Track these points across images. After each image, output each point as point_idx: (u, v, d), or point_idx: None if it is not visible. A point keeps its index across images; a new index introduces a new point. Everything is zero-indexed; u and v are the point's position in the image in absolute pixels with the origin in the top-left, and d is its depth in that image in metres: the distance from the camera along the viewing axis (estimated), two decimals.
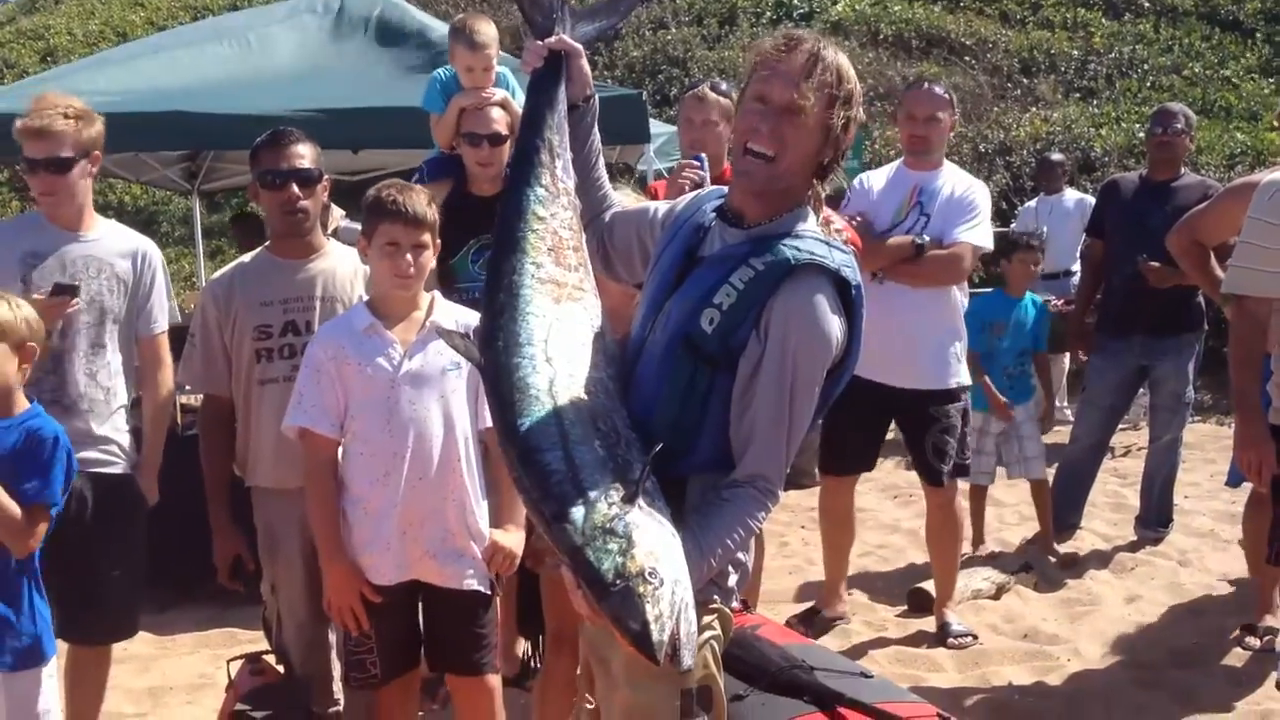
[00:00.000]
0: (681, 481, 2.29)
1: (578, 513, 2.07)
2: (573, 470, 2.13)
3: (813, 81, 2.26)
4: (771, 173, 2.31)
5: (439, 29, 7.79)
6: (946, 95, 5.09)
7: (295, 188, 3.65)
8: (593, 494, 2.09)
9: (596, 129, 2.68)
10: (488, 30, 4.52)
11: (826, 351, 2.28)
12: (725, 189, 2.49)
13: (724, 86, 4.64)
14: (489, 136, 4.31)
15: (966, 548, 6.28)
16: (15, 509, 3.04)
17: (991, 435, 6.20)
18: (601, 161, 2.73)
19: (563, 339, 2.32)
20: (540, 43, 2.60)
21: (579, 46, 2.62)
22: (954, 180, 5.01)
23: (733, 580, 2.37)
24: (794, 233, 2.32)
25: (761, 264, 2.26)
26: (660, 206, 2.64)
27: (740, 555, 2.33)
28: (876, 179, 5.09)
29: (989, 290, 6.81)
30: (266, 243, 3.86)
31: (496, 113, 4.36)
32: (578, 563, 2.06)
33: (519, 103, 4.47)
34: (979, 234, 4.92)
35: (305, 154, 3.68)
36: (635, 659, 2.12)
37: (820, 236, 2.33)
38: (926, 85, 5.19)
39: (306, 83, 6.79)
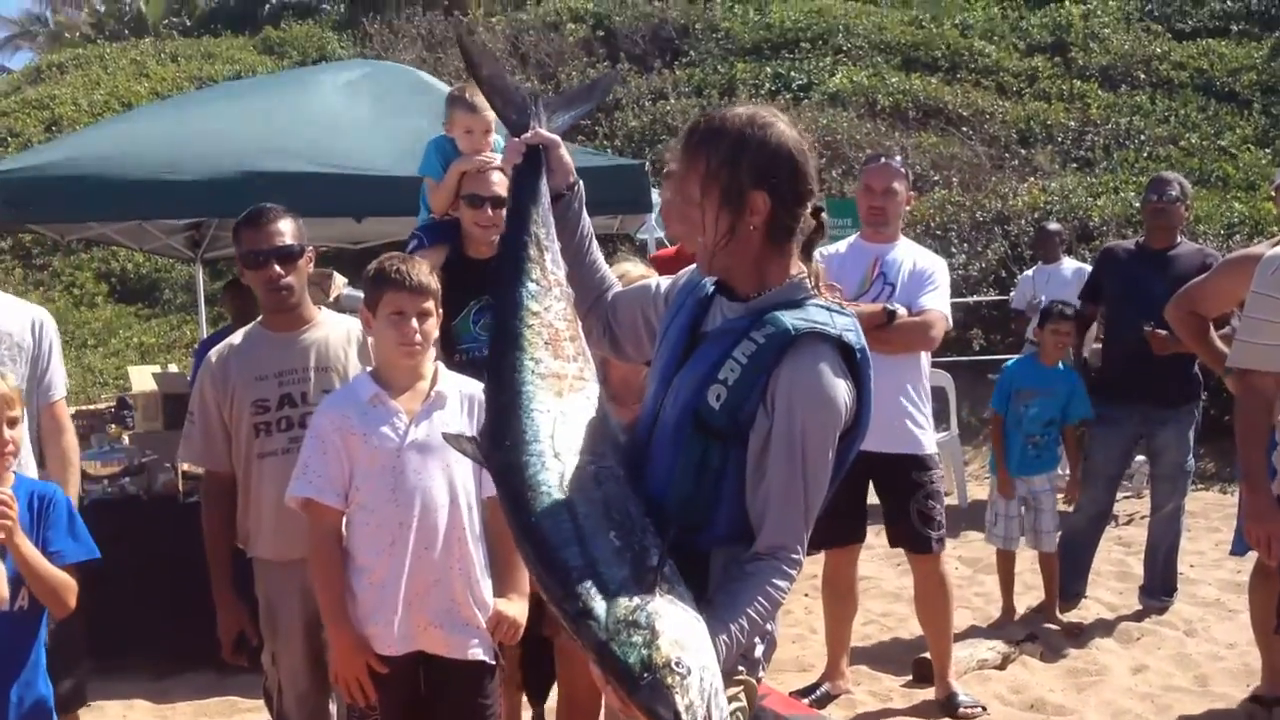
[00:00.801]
0: (704, 556, 2.28)
1: (600, 608, 2.07)
2: (590, 564, 2.12)
3: (681, 171, 2.34)
4: (705, 254, 2.36)
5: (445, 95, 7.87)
6: (902, 168, 5.15)
7: (276, 266, 3.68)
8: (613, 587, 2.08)
9: (585, 214, 2.70)
10: None
11: (835, 418, 2.27)
12: None
13: None
14: (491, 199, 4.36)
15: (969, 618, 6.25)
16: (64, 575, 3.09)
17: (1017, 500, 6.19)
18: (595, 245, 2.73)
19: (569, 432, 2.32)
20: (517, 139, 2.63)
21: (556, 138, 2.64)
22: (914, 253, 5.09)
23: (759, 651, 2.36)
24: (794, 301, 2.33)
25: (763, 336, 2.26)
26: (662, 281, 2.65)
27: (767, 626, 2.31)
28: (838, 249, 5.13)
29: (1018, 356, 6.80)
30: (259, 317, 3.87)
31: (497, 176, 4.41)
32: (604, 658, 2.05)
33: None
34: (946, 302, 4.97)
35: (285, 230, 3.70)
36: None
37: (821, 303, 2.34)
38: (883, 159, 5.22)
39: (310, 150, 6.84)
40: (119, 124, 8.97)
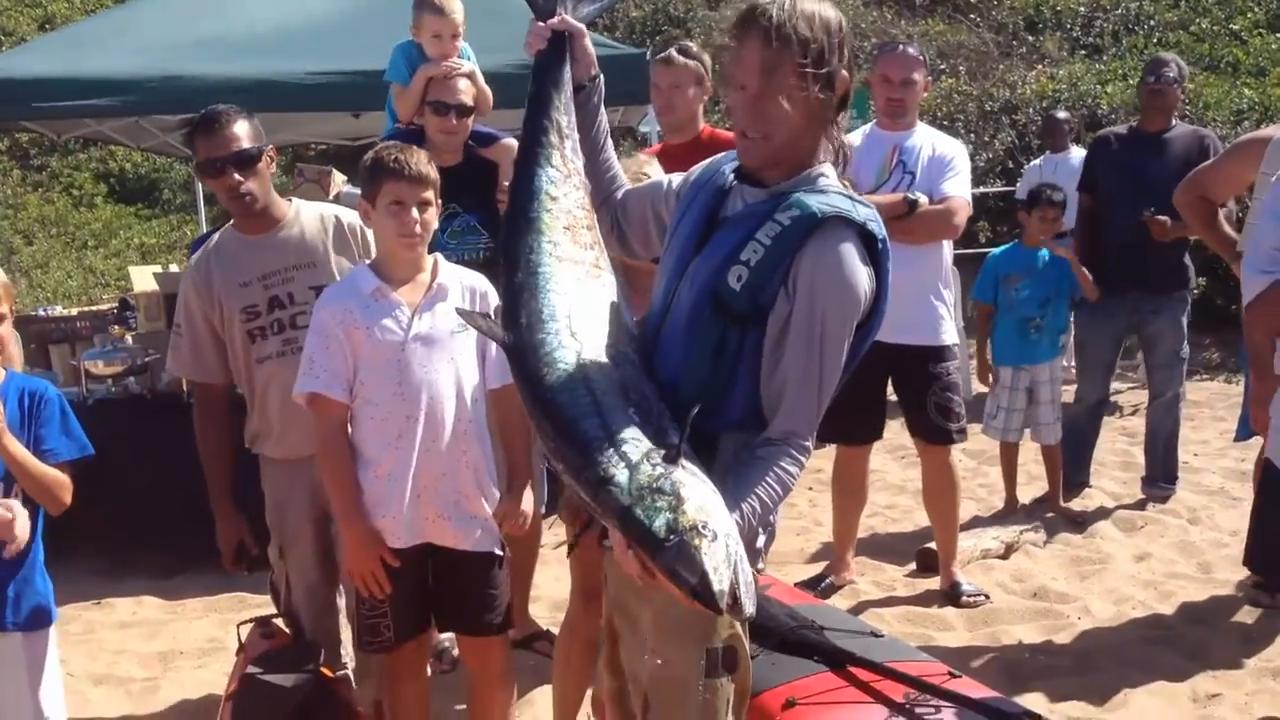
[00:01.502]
0: (714, 439, 2.27)
1: (622, 475, 2.06)
2: (610, 436, 2.11)
3: (771, 61, 2.22)
4: (766, 150, 2.30)
5: None
6: (920, 56, 5.04)
7: (235, 173, 3.56)
8: (634, 457, 2.08)
9: (604, 110, 2.67)
10: (454, 0, 4.55)
11: (855, 306, 2.26)
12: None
13: (694, 49, 4.61)
14: (456, 107, 4.33)
15: (973, 509, 6.30)
16: (56, 473, 3.09)
17: (1021, 391, 6.18)
18: (610, 143, 2.71)
19: (585, 315, 2.31)
20: (543, 24, 2.58)
21: (581, 26, 2.60)
22: (932, 138, 5.00)
23: (760, 541, 2.36)
24: (818, 187, 2.30)
25: (787, 219, 2.24)
26: (674, 178, 2.62)
27: (774, 512, 2.31)
28: (852, 141, 5.04)
29: (1006, 245, 6.74)
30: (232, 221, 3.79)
31: (463, 83, 4.37)
32: (627, 523, 2.04)
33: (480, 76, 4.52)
34: (967, 188, 4.91)
35: (241, 134, 3.57)
36: (663, 616, 2.13)
37: (844, 191, 2.31)
38: (901, 47, 5.09)
39: (307, 44, 6.74)
40: (113, 18, 8.79)
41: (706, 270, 2.30)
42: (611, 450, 2.09)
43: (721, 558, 1.98)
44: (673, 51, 4.65)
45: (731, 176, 2.41)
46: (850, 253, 2.23)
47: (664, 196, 2.59)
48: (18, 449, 3.00)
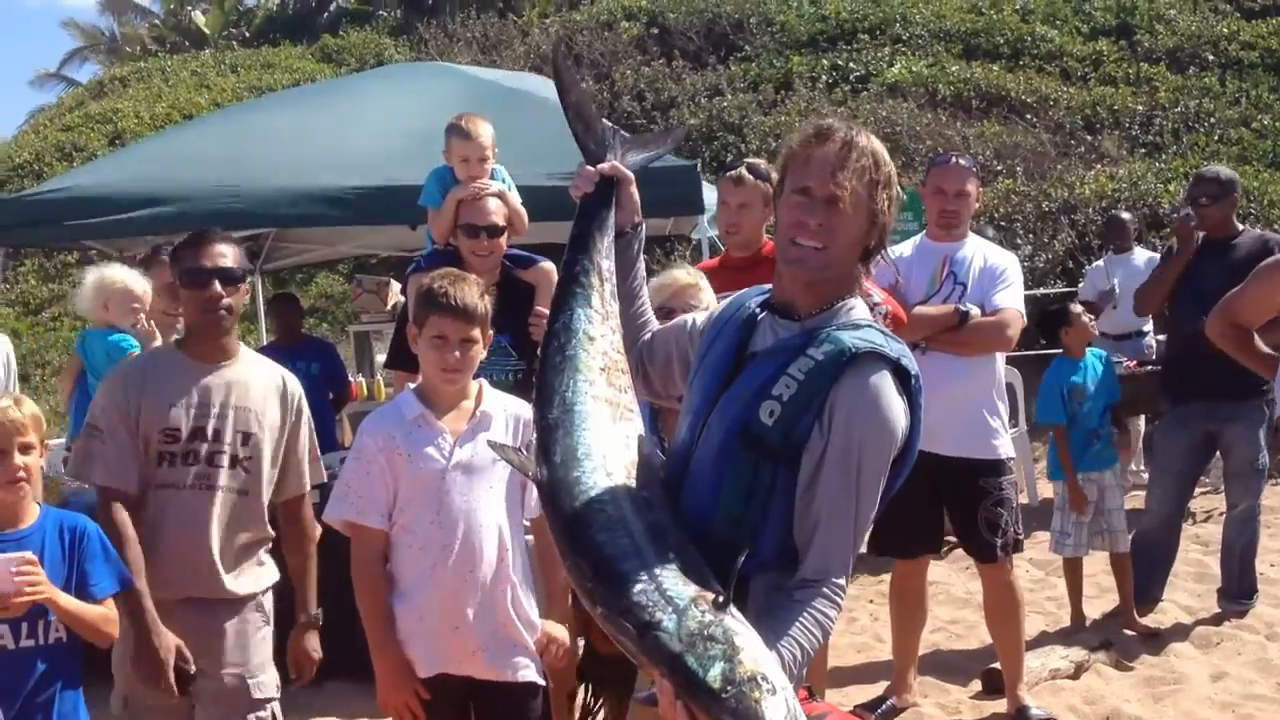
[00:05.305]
0: (744, 580, 2.19)
1: (669, 620, 1.98)
2: (653, 579, 2.04)
3: (848, 170, 2.23)
4: (822, 262, 2.27)
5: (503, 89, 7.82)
6: (973, 166, 4.98)
7: (218, 285, 3.53)
8: (681, 602, 2.01)
9: (642, 258, 2.68)
10: (482, 125, 4.65)
11: (891, 440, 2.22)
12: (767, 286, 2.44)
13: (763, 168, 4.59)
14: (487, 228, 4.35)
15: (1040, 624, 6.09)
16: (103, 610, 3.09)
17: (1090, 503, 6.00)
18: (645, 291, 2.72)
19: (619, 457, 2.27)
20: (592, 168, 2.60)
21: (630, 174, 2.62)
22: (984, 249, 4.94)
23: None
24: (850, 321, 2.28)
25: (820, 354, 2.22)
26: (698, 316, 2.63)
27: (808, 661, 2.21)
28: (903, 252, 4.98)
29: (1056, 358, 6.60)
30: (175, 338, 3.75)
31: (493, 204, 4.40)
32: (678, 671, 1.96)
33: (515, 196, 4.59)
34: (1020, 299, 4.83)
35: (227, 253, 3.59)
36: None
37: (877, 325, 2.30)
38: (954, 159, 5.01)
39: (364, 159, 6.84)
40: (173, 138, 9.01)
41: (737, 405, 2.26)
42: (656, 594, 2.01)
43: (783, 714, 1.90)
44: (743, 171, 4.63)
45: (758, 310, 2.38)
46: (886, 387, 2.21)
47: (688, 335, 2.57)
48: (68, 602, 3.01)
